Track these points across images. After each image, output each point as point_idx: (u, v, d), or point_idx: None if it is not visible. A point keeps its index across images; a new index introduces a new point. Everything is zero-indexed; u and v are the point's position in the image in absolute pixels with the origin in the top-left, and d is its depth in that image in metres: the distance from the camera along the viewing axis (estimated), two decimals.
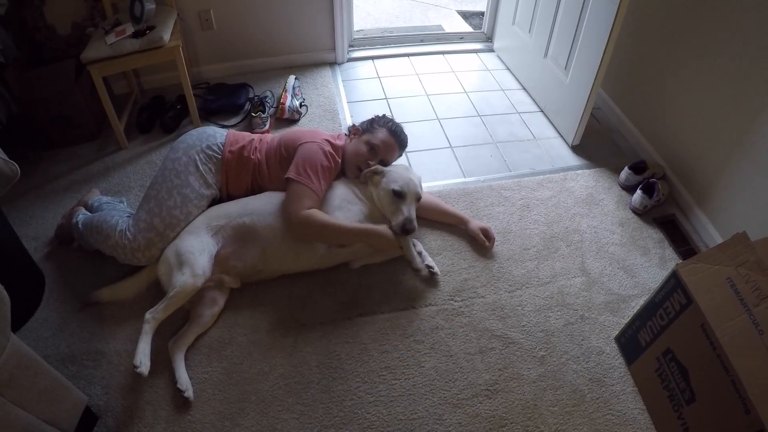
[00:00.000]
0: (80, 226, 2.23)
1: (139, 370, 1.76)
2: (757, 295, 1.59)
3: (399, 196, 2.17)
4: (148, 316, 1.91)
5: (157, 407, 1.80)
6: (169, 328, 1.97)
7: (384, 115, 2.46)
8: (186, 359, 1.92)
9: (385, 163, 2.34)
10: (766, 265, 1.62)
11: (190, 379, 1.86)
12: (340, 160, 2.30)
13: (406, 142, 2.46)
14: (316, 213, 2.08)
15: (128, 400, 1.82)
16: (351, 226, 2.13)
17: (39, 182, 2.70)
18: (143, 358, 1.80)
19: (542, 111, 3.38)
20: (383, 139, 2.33)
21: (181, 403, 1.81)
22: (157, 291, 2.08)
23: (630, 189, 2.72)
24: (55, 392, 1.55)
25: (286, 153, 2.26)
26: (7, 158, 1.51)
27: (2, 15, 2.66)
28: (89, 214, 2.31)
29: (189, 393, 1.81)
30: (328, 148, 2.24)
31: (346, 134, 2.47)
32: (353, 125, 2.46)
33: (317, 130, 2.55)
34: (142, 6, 2.63)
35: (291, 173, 2.14)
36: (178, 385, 1.81)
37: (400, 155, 2.47)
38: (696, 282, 1.66)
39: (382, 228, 2.16)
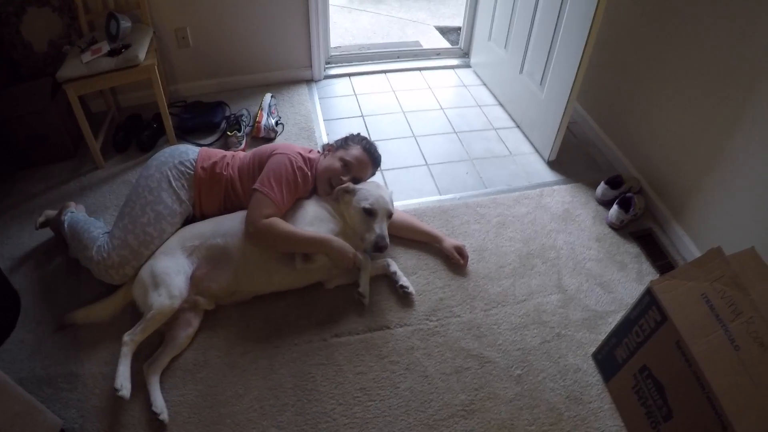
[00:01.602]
0: (66, 225, 2.24)
1: (120, 393, 1.75)
2: (732, 310, 1.58)
3: (370, 213, 2.15)
4: (126, 338, 1.88)
5: (132, 430, 1.77)
6: (143, 351, 1.94)
7: (359, 134, 2.45)
8: (161, 382, 1.90)
9: (358, 180, 2.32)
10: (742, 280, 1.62)
11: (166, 401, 1.84)
12: (310, 173, 2.28)
13: (380, 160, 2.44)
14: (276, 221, 2.07)
15: (103, 423, 1.79)
16: (308, 234, 2.11)
17: (15, 202, 2.67)
18: (124, 381, 1.78)
19: (518, 126, 3.39)
20: (356, 156, 2.31)
21: (156, 426, 1.78)
22: (133, 312, 2.05)
23: (607, 204, 2.72)
24: (29, 416, 1.56)
25: (258, 167, 2.25)
26: None
27: None
28: (78, 214, 2.30)
29: (164, 416, 1.79)
30: (298, 161, 2.23)
31: (320, 152, 2.44)
32: (328, 143, 2.44)
33: (292, 144, 2.53)
34: (117, 24, 2.62)
35: (256, 184, 2.14)
36: (153, 408, 1.79)
37: (374, 173, 2.44)
38: (671, 298, 1.66)
39: (337, 239, 2.14)
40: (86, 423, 1.79)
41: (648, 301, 1.71)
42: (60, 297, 2.19)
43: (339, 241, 2.13)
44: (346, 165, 2.28)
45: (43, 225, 2.39)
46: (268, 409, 1.85)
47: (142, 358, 1.92)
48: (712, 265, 1.68)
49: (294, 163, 2.20)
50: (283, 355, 2.01)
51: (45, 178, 2.82)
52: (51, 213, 2.40)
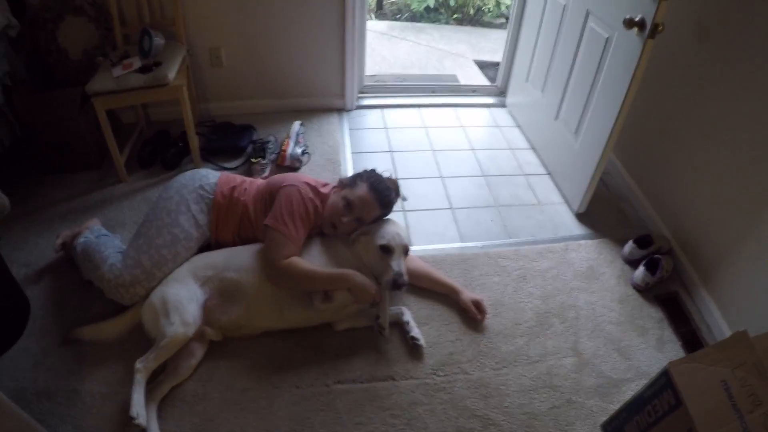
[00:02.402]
0: (78, 249, 2.26)
1: (137, 421, 1.75)
2: (752, 401, 1.51)
3: (386, 251, 2.13)
4: (139, 365, 1.89)
5: None
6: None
7: (373, 170, 2.36)
8: (158, 410, 1.88)
9: (362, 221, 2.25)
10: (765, 368, 1.54)
11: (161, 431, 1.82)
12: (320, 205, 2.25)
13: (390, 201, 2.32)
14: (297, 261, 2.05)
15: None
16: (329, 272, 2.09)
17: (37, 206, 2.73)
18: (139, 410, 1.79)
19: (549, 174, 3.32)
20: (361, 196, 2.22)
21: None
22: (140, 335, 2.06)
23: (633, 263, 2.64)
24: None
25: (269, 198, 2.23)
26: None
27: (14, 36, 2.70)
28: (91, 238, 2.31)
29: None
30: (308, 193, 2.21)
31: (334, 186, 2.40)
32: (342, 178, 2.39)
33: (303, 174, 2.52)
34: (150, 40, 2.66)
35: (269, 220, 2.12)
36: None
37: (384, 215, 2.34)
38: (688, 383, 1.58)
39: (360, 274, 2.11)
40: None
41: (664, 382, 1.64)
42: (69, 311, 2.22)
43: (360, 276, 2.11)
44: (348, 204, 2.21)
45: (63, 247, 2.41)
46: None
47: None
48: (736, 350, 1.61)
49: (304, 195, 2.18)
50: (284, 397, 1.98)
51: (68, 186, 2.88)
52: (68, 234, 2.42)
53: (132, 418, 1.74)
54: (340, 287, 2.10)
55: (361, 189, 2.24)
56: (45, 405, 1.88)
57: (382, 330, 2.11)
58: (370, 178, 2.29)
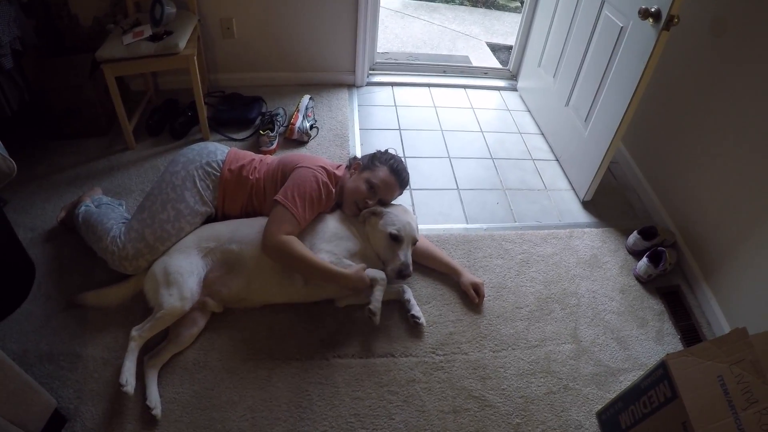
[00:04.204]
0: (80, 219, 2.25)
1: (125, 389, 1.77)
2: (747, 398, 1.51)
3: (395, 239, 2.15)
4: (134, 333, 1.91)
5: (124, 419, 1.79)
6: (146, 342, 1.95)
7: (387, 151, 2.41)
8: (159, 377, 1.90)
9: (384, 202, 2.30)
10: (763, 366, 1.54)
11: (161, 397, 1.85)
12: (334, 191, 2.27)
13: (407, 182, 2.41)
14: (293, 241, 2.04)
15: (98, 407, 1.82)
16: (323, 265, 2.05)
17: (44, 172, 2.74)
18: (129, 377, 1.81)
19: (557, 160, 3.31)
20: (383, 178, 2.28)
21: (147, 419, 1.79)
22: (141, 302, 2.07)
23: (637, 254, 2.64)
24: (24, 395, 1.58)
25: (282, 177, 2.23)
26: (6, 155, 1.53)
27: (25, 2, 2.68)
28: (92, 207, 2.31)
29: (157, 411, 1.80)
30: (323, 177, 2.20)
31: (346, 166, 2.42)
32: (354, 157, 2.42)
33: (318, 156, 2.51)
34: (162, 9, 2.63)
35: (279, 195, 2.11)
36: (148, 402, 1.80)
37: (400, 194, 2.41)
38: (685, 376, 1.58)
39: (354, 273, 2.07)
40: (81, 405, 1.82)
41: (661, 374, 1.64)
42: (73, 276, 2.23)
43: (356, 278, 2.07)
44: (372, 188, 2.26)
45: (63, 222, 2.40)
46: (260, 421, 1.84)
47: (143, 350, 1.93)
48: (734, 346, 1.61)
49: (319, 180, 2.18)
50: (283, 369, 1.99)
51: (76, 152, 2.88)
52: (68, 205, 2.42)
53: (121, 385, 1.77)
54: (332, 284, 2.10)
55: (383, 171, 2.29)
56: (47, 368, 1.90)
57: (373, 316, 2.08)
58: (389, 160, 2.34)
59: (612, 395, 1.96)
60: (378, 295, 2.09)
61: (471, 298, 2.30)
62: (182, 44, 2.69)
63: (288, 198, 2.09)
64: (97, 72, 2.78)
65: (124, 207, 2.47)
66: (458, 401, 1.97)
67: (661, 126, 2.88)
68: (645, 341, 2.27)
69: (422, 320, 2.17)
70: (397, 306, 2.24)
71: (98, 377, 1.89)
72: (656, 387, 1.66)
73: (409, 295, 2.24)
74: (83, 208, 2.30)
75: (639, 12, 2.35)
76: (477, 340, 2.18)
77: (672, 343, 2.27)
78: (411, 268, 2.14)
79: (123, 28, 2.74)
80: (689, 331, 2.35)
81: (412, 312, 2.18)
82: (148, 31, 2.68)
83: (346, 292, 2.17)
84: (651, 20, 2.32)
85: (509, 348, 2.17)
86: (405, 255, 2.14)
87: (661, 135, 2.89)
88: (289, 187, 2.13)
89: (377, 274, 2.12)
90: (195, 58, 2.75)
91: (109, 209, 2.32)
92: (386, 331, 2.16)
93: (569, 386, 2.07)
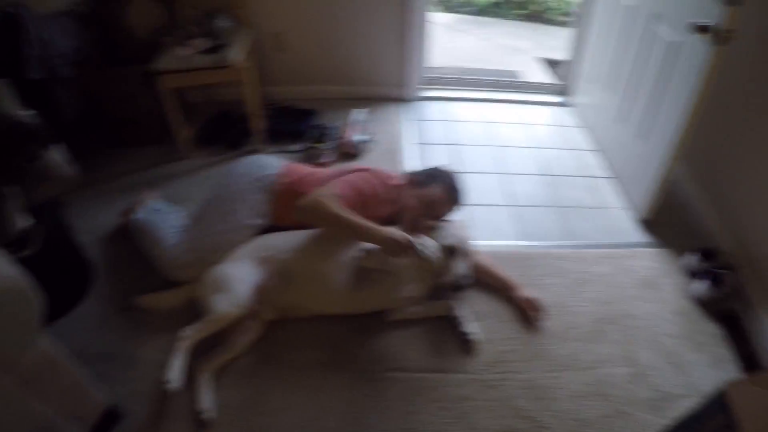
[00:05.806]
0: (136, 226, 2.35)
1: (168, 386, 1.82)
2: None
3: (451, 252, 2.14)
4: (183, 334, 1.96)
5: (176, 421, 1.85)
6: (202, 345, 2.00)
7: (442, 168, 2.43)
8: (214, 380, 1.96)
9: (439, 218, 2.30)
10: None
11: (214, 401, 1.90)
12: (390, 199, 2.28)
13: (462, 199, 2.41)
14: (329, 201, 2.04)
15: (151, 407, 1.88)
16: (356, 219, 2.03)
17: (102, 178, 2.86)
18: (173, 375, 1.86)
19: (613, 178, 3.25)
20: (439, 196, 2.29)
21: (198, 423, 1.84)
22: (195, 309, 2.11)
23: (695, 276, 2.56)
24: (76, 393, 1.64)
25: None
26: (69, 162, 1.60)
27: (81, 13, 2.79)
28: (146, 216, 2.39)
29: (210, 415, 1.84)
30: (374, 179, 2.25)
31: (403, 182, 2.42)
32: (413, 174, 2.42)
33: (375, 167, 2.53)
34: (216, 23, 2.72)
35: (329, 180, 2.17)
36: (196, 406, 1.86)
37: (457, 210, 2.40)
38: (745, 407, 1.53)
39: (393, 230, 2.07)
40: (133, 405, 1.87)
41: (719, 403, 1.59)
42: (131, 279, 2.31)
43: (387, 231, 2.04)
44: (427, 205, 2.27)
45: (122, 227, 2.49)
46: (310, 430, 1.87)
47: (199, 354, 1.98)
48: None
49: (369, 178, 2.23)
50: (335, 380, 2.02)
51: (133, 160, 3.00)
52: (126, 210, 2.51)
53: (166, 382, 1.83)
54: (362, 239, 2.10)
55: (439, 189, 2.30)
56: (101, 368, 1.94)
57: (470, 335, 2.15)
58: (445, 178, 2.36)
59: (667, 421, 1.91)
60: (463, 316, 2.19)
61: (530, 310, 2.29)
62: (236, 57, 2.78)
63: (337, 182, 2.15)
64: (151, 83, 2.87)
65: (181, 213, 2.52)
66: (510, 420, 1.95)
67: (724, 145, 2.80)
68: (702, 367, 2.20)
69: (476, 336, 2.17)
70: (448, 322, 2.25)
71: (151, 379, 1.94)
72: (714, 418, 1.61)
73: (461, 311, 2.24)
74: (138, 216, 2.37)
75: (693, 28, 2.32)
76: (530, 359, 2.16)
77: (730, 370, 2.20)
78: (469, 278, 2.14)
79: (178, 41, 2.83)
80: (747, 359, 2.27)
81: (462, 329, 2.18)
82: (202, 44, 2.77)
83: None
84: (706, 36, 2.28)
85: (563, 369, 2.14)
86: (461, 267, 2.13)
87: (723, 154, 2.82)
88: (339, 178, 2.19)
89: (415, 243, 2.06)
90: (247, 70, 2.84)
91: (161, 217, 2.39)
92: (440, 347, 2.17)
93: (624, 411, 2.02)
